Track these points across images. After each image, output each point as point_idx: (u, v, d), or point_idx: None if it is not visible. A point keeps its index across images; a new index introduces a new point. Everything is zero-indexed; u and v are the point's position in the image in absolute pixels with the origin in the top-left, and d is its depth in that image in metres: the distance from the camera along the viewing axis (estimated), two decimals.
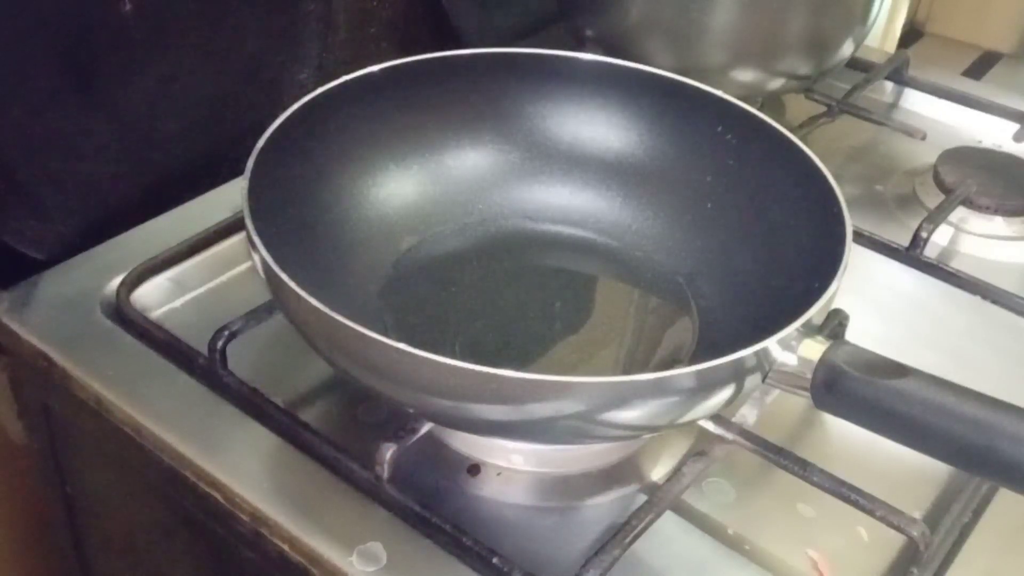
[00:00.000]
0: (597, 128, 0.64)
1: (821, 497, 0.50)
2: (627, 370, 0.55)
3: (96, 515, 0.67)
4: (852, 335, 0.58)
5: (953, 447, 0.42)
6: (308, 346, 0.49)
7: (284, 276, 0.45)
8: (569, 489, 0.52)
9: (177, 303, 0.62)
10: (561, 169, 0.65)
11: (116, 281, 0.61)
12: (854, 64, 0.86)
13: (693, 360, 0.52)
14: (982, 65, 1.07)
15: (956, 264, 0.68)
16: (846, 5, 0.77)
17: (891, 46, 1.09)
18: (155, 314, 0.61)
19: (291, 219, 0.55)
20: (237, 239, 0.65)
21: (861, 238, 0.68)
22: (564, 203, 0.64)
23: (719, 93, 0.61)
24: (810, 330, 0.46)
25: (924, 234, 0.68)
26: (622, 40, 0.77)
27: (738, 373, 0.44)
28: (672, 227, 0.62)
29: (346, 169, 0.60)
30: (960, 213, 0.73)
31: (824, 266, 0.49)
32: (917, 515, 0.49)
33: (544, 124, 0.65)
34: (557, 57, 0.64)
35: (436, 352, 0.42)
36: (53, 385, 0.58)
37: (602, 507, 0.51)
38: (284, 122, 0.55)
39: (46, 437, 0.64)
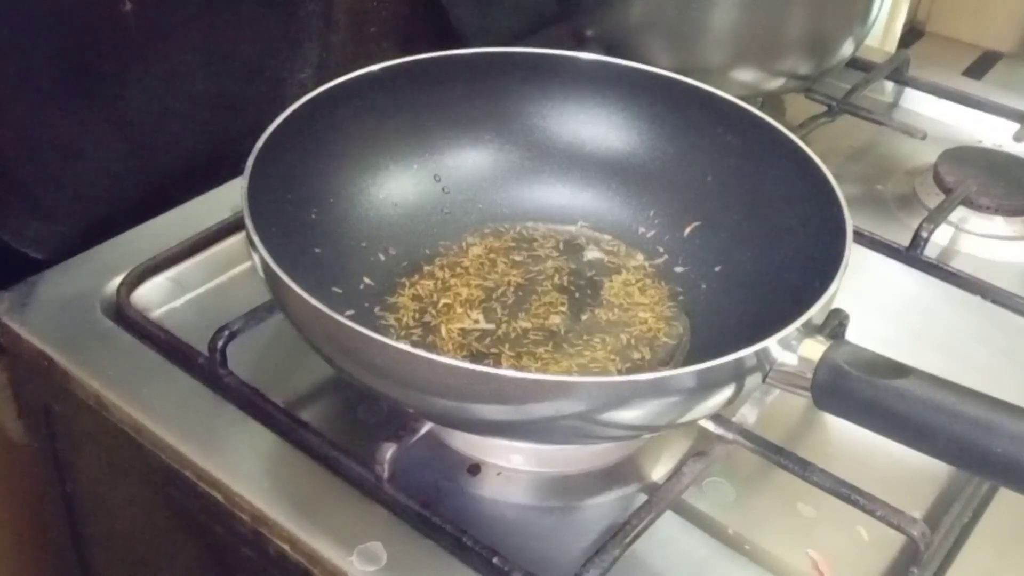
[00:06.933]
0: (597, 128, 0.64)
1: (821, 497, 0.50)
2: (627, 370, 0.55)
3: (96, 515, 0.67)
4: (852, 335, 0.58)
5: (953, 447, 0.42)
6: (308, 346, 0.49)
7: (284, 276, 0.45)
8: (569, 489, 0.52)
9: (177, 303, 0.62)
10: (561, 169, 0.65)
11: (116, 281, 0.61)
12: (854, 64, 0.86)
13: (692, 360, 0.52)
14: (982, 65, 1.07)
15: (956, 264, 0.68)
16: (846, 5, 0.77)
17: (891, 46, 1.09)
18: (155, 314, 0.61)
19: (291, 219, 0.55)
20: (237, 239, 0.65)
21: (861, 238, 0.68)
22: (564, 203, 0.64)
23: (719, 93, 0.61)
24: (810, 330, 0.46)
25: (924, 234, 0.68)
26: (622, 40, 0.77)
27: (738, 373, 0.44)
28: (672, 227, 0.62)
29: (346, 169, 0.60)
30: (960, 213, 0.73)
31: (824, 266, 0.49)
32: (917, 515, 0.49)
33: (544, 124, 0.65)
34: (557, 57, 0.64)
35: (436, 352, 0.42)
36: (53, 385, 0.58)
37: (602, 507, 0.51)
38: (284, 122, 0.55)
39: (46, 437, 0.64)
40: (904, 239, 0.69)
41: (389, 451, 0.49)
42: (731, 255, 0.59)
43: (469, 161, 0.64)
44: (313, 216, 0.57)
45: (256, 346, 0.58)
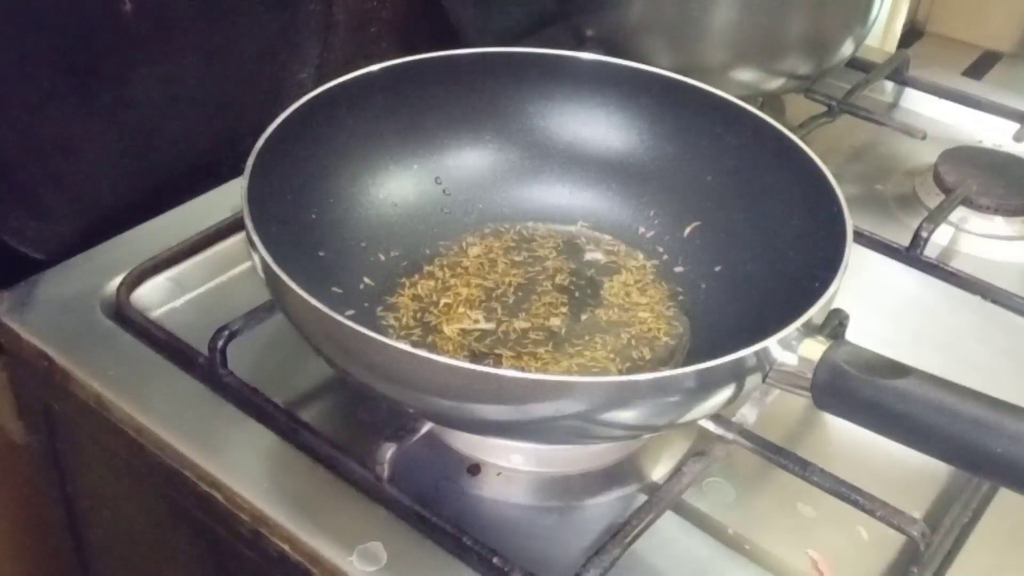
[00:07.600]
0: (597, 128, 0.64)
1: (821, 497, 0.50)
2: (627, 370, 0.55)
3: (96, 515, 0.67)
4: (852, 335, 0.58)
5: (953, 447, 0.42)
6: (308, 346, 0.49)
7: (284, 276, 0.46)
8: (569, 489, 0.52)
9: (177, 303, 0.62)
10: (561, 169, 0.65)
11: (116, 281, 0.61)
12: (854, 64, 0.86)
13: (692, 360, 0.52)
14: (982, 65, 1.07)
15: (956, 264, 0.68)
16: (846, 5, 0.77)
17: (891, 46, 1.09)
18: (155, 314, 0.61)
19: (291, 219, 0.55)
20: (237, 239, 0.65)
21: (861, 238, 0.68)
22: (564, 203, 0.64)
23: (719, 93, 0.61)
24: (810, 330, 0.46)
25: (924, 234, 0.68)
26: (622, 40, 0.77)
27: (738, 373, 0.44)
28: (672, 227, 0.62)
29: (346, 169, 0.60)
30: (960, 213, 0.73)
31: (824, 266, 0.49)
32: (917, 515, 0.49)
33: (544, 124, 0.65)
34: (557, 57, 0.64)
35: (436, 352, 0.42)
36: (53, 385, 0.58)
37: (602, 507, 0.51)
38: (284, 122, 0.55)
39: (46, 437, 0.64)
40: (904, 239, 0.69)
41: (389, 451, 0.49)
42: (731, 255, 0.59)
43: (469, 161, 0.64)
44: (313, 216, 0.57)
45: (256, 346, 0.58)
